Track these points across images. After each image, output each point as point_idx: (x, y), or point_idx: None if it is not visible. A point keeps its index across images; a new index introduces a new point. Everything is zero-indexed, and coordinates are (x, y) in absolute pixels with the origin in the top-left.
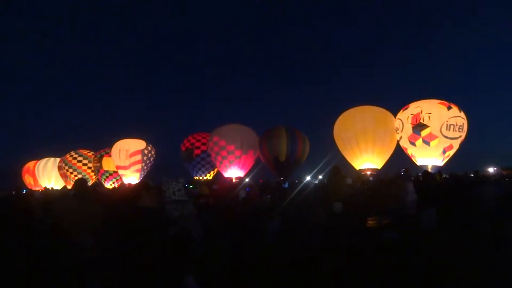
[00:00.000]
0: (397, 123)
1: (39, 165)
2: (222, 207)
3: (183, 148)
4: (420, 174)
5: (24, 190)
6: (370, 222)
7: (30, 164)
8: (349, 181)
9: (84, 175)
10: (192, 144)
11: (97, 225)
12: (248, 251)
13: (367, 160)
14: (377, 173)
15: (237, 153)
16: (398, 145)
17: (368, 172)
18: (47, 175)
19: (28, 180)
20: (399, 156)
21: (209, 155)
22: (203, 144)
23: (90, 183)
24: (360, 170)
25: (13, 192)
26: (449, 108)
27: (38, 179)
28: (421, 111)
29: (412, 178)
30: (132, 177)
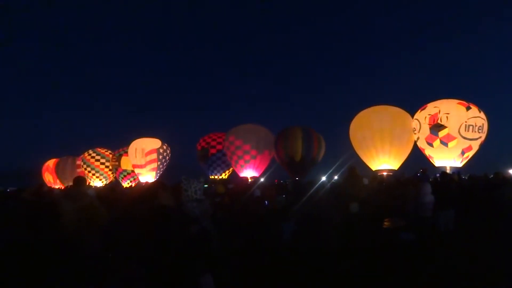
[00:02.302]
0: (414, 123)
1: (58, 163)
2: (237, 206)
3: (199, 148)
4: (438, 175)
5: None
6: (387, 223)
7: (50, 162)
8: (365, 181)
9: (102, 174)
10: (208, 143)
11: (98, 225)
12: (263, 251)
13: (384, 160)
14: (394, 174)
15: (253, 152)
16: (415, 146)
17: (385, 173)
18: (66, 174)
19: (47, 178)
20: (417, 157)
21: (224, 155)
22: (219, 143)
23: (107, 181)
24: (377, 171)
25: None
26: (468, 108)
27: (58, 177)
28: (439, 111)
29: (430, 179)
30: (148, 176)
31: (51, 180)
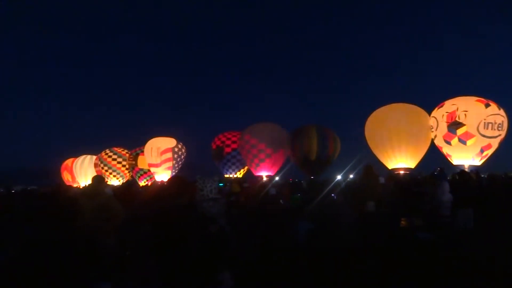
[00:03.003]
0: (431, 121)
1: (76, 162)
2: (252, 205)
3: (214, 146)
4: (456, 173)
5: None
6: (404, 222)
7: (68, 161)
8: (381, 180)
9: (119, 173)
10: (223, 142)
11: (115, 221)
12: (278, 249)
13: (400, 159)
14: (411, 172)
15: (268, 151)
16: (432, 144)
17: (401, 172)
18: (84, 172)
19: (66, 176)
20: (434, 155)
21: (239, 153)
22: (234, 142)
23: (124, 180)
24: (393, 170)
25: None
26: (487, 105)
27: (76, 176)
28: (457, 109)
29: (448, 178)
30: (163, 175)
31: (70, 179)
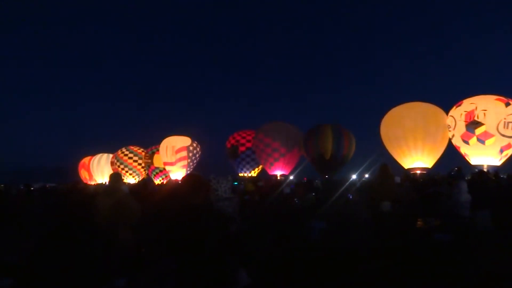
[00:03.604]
0: (449, 120)
1: (93, 160)
2: (267, 204)
3: (228, 145)
4: (474, 173)
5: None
6: (420, 223)
7: (86, 159)
8: (397, 180)
9: (135, 171)
10: (237, 141)
11: (132, 219)
12: (292, 248)
13: (417, 159)
14: (428, 172)
15: (282, 150)
16: (450, 144)
17: (418, 171)
18: (101, 171)
19: (83, 174)
20: (452, 155)
21: (254, 152)
22: (248, 141)
23: (140, 178)
24: (409, 169)
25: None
26: (507, 104)
27: (93, 174)
28: (476, 108)
29: (467, 178)
30: (178, 173)
31: (87, 176)
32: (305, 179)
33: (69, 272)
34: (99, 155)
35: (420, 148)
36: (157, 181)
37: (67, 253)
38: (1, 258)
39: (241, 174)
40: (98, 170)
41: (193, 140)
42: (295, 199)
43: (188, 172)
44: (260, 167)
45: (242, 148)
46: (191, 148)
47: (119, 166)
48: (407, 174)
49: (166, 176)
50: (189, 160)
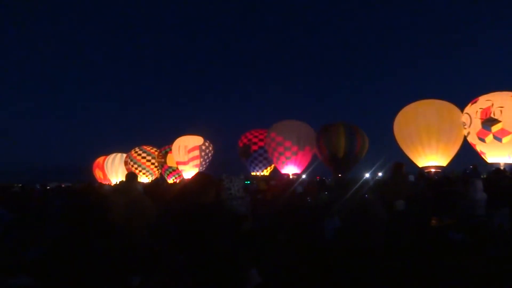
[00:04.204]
0: (464, 117)
1: (107, 160)
2: (279, 203)
3: (241, 144)
4: (491, 171)
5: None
6: (434, 222)
7: (100, 159)
8: (411, 178)
9: (148, 171)
10: (250, 140)
11: (146, 217)
12: (305, 247)
13: (431, 157)
14: (442, 170)
15: (294, 149)
16: (465, 141)
17: (432, 170)
18: (115, 170)
19: (98, 174)
20: (467, 153)
21: (266, 151)
22: (260, 140)
23: (153, 178)
24: (423, 168)
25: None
26: None
27: (107, 174)
28: (492, 105)
29: (482, 176)
30: (191, 172)
31: (101, 176)
32: (317, 177)
33: (85, 270)
34: (113, 155)
35: (434, 146)
36: (170, 180)
37: (83, 252)
38: (19, 257)
39: (253, 173)
40: (112, 170)
41: (205, 139)
42: (308, 198)
43: (201, 170)
44: (273, 166)
45: (254, 147)
46: (203, 147)
47: (132, 166)
48: (422, 172)
49: (179, 176)
50: (201, 160)
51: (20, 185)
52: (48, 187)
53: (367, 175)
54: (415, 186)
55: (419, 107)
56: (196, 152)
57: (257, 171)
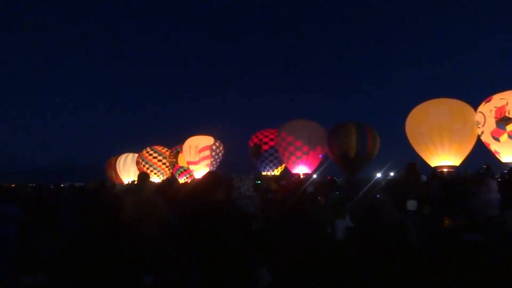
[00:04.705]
0: (478, 116)
1: (119, 160)
2: (290, 203)
3: (251, 144)
4: (505, 171)
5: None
6: (448, 222)
7: (112, 159)
8: (423, 178)
9: (159, 171)
10: (260, 140)
11: (158, 217)
12: (315, 247)
13: (444, 157)
14: (455, 170)
15: (305, 149)
16: (479, 141)
17: (445, 170)
18: (127, 170)
19: (111, 174)
20: (481, 153)
21: (276, 151)
22: (271, 139)
23: (164, 178)
24: (436, 168)
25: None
26: None
27: (119, 173)
28: (507, 104)
29: (496, 176)
30: (202, 172)
31: (114, 176)
32: (328, 177)
33: (98, 269)
34: (124, 155)
35: (447, 146)
36: (182, 180)
37: (96, 250)
38: (35, 255)
39: (264, 173)
40: (124, 170)
41: (215, 139)
42: (319, 198)
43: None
44: (283, 165)
45: (265, 147)
46: (214, 147)
47: (144, 166)
48: (434, 172)
49: (190, 175)
50: (212, 159)
51: (34, 185)
52: (61, 186)
53: (378, 175)
54: (428, 186)
55: (431, 106)
56: (207, 152)
57: (268, 171)
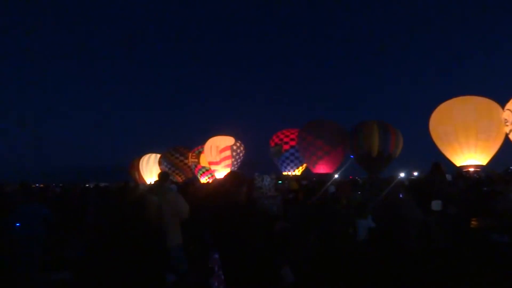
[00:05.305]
0: (505, 114)
1: (142, 161)
2: (311, 203)
3: (272, 144)
4: None
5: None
6: (474, 223)
7: (136, 160)
8: (449, 177)
9: (181, 171)
10: (281, 139)
11: (181, 216)
12: (337, 248)
13: (470, 156)
14: (482, 169)
15: (326, 148)
16: (507, 139)
17: (471, 169)
18: (149, 170)
19: (134, 174)
20: (509, 151)
21: (297, 151)
22: (292, 139)
23: (186, 178)
24: (462, 167)
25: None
26: None
27: (142, 174)
28: None
29: None
30: (223, 172)
31: (137, 176)
32: (350, 177)
33: (122, 268)
34: (147, 155)
35: (473, 145)
36: (203, 180)
37: (120, 250)
38: (61, 254)
39: (285, 173)
40: (147, 170)
41: (236, 139)
42: (340, 198)
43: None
44: (304, 165)
45: (286, 147)
46: (234, 147)
47: (166, 166)
48: (460, 172)
49: (212, 175)
50: (233, 159)
51: (61, 185)
52: (87, 186)
53: (402, 174)
54: (453, 186)
55: (456, 104)
56: (228, 152)
57: (289, 170)
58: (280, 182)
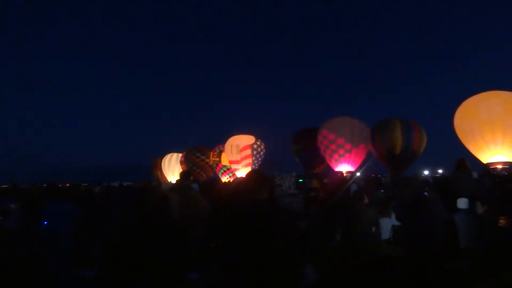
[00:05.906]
0: None
1: (164, 160)
2: (332, 201)
3: (293, 142)
4: None
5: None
6: (502, 222)
7: (158, 159)
8: (475, 175)
9: (203, 169)
10: (302, 138)
11: (202, 215)
12: (360, 246)
13: (496, 151)
14: (511, 166)
15: (347, 146)
16: None
17: (499, 166)
18: (172, 169)
19: (157, 173)
20: None
21: (318, 149)
22: (313, 138)
23: (207, 177)
24: (489, 164)
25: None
26: None
27: (164, 173)
28: None
29: None
30: (244, 171)
31: (160, 175)
32: (373, 175)
33: (145, 266)
34: (169, 155)
35: (500, 141)
36: (224, 179)
37: (144, 248)
38: (87, 251)
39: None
40: (169, 169)
41: (257, 138)
42: (364, 196)
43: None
44: (326, 164)
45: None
46: (255, 146)
47: (187, 165)
48: (487, 169)
49: (232, 174)
50: (253, 158)
51: (86, 184)
52: (111, 184)
53: (425, 172)
54: (480, 184)
55: (481, 99)
56: (248, 151)
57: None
58: (300, 180)
